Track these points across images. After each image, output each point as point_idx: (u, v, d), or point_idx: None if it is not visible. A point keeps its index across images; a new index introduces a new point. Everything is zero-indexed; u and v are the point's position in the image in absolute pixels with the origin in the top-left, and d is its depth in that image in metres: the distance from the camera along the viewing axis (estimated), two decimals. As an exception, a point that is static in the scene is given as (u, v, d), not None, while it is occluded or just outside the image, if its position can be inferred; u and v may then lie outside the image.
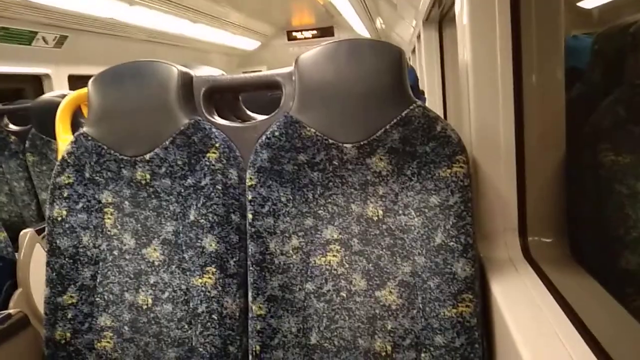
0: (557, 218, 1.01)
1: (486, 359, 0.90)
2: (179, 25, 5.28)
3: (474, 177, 0.99)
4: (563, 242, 1.00)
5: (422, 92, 2.73)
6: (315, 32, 8.98)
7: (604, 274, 0.87)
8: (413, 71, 2.24)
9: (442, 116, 0.98)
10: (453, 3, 1.11)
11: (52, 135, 2.01)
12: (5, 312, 1.09)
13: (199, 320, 0.98)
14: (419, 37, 3.24)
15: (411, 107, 0.91)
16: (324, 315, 0.95)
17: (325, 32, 8.89)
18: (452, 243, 0.89)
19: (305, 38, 8.99)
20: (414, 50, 4.32)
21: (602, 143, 0.99)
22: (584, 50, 1.16)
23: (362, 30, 8.24)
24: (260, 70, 1.19)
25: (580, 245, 0.99)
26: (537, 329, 0.75)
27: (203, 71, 1.18)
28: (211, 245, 0.99)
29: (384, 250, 0.94)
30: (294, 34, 9.02)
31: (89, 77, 1.12)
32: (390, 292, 0.93)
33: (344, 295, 0.95)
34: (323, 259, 0.97)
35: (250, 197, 0.98)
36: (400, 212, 0.94)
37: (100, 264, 1.07)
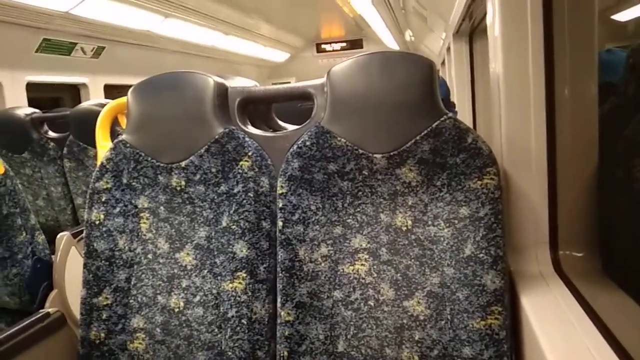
0: (589, 232, 0.99)
1: None
2: (211, 37, 5.41)
3: (505, 189, 0.98)
4: (595, 257, 0.98)
5: (453, 105, 2.72)
6: (344, 44, 9.04)
7: (636, 289, 0.85)
8: (445, 84, 2.25)
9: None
10: (484, 16, 1.12)
11: (89, 142, 2.08)
12: (44, 310, 1.13)
13: (228, 325, 1.00)
14: (448, 49, 3.24)
15: (442, 119, 0.92)
16: (352, 323, 0.96)
17: (354, 44, 8.94)
18: (481, 255, 0.89)
19: (334, 50, 9.05)
20: (443, 62, 4.31)
21: (635, 157, 0.98)
22: (618, 64, 1.14)
23: (391, 43, 8.26)
24: (289, 82, 1.22)
25: (612, 260, 0.97)
26: (568, 344, 0.74)
27: (237, 82, 1.21)
28: (242, 251, 1.01)
29: (413, 260, 0.95)
30: (322, 46, 9.09)
31: (124, 86, 1.17)
32: (419, 302, 0.93)
33: (372, 304, 0.96)
34: (351, 267, 0.98)
35: (280, 205, 1.00)
36: (430, 222, 0.94)
37: (135, 267, 1.10)
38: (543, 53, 0.96)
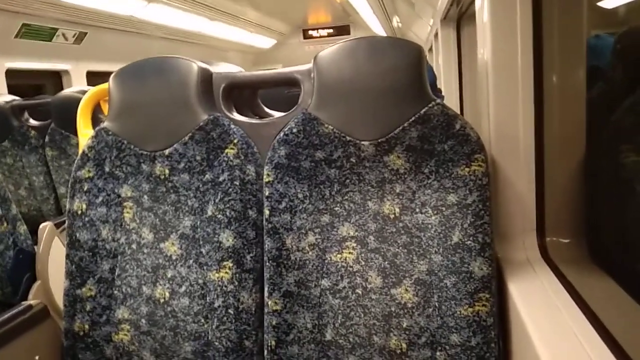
0: (576, 219, 1.00)
1: (502, 358, 0.89)
2: (197, 23, 5.33)
3: (493, 176, 0.98)
4: (582, 243, 0.99)
5: (440, 91, 2.72)
6: (331, 30, 8.99)
7: (622, 275, 0.86)
8: (431, 70, 2.23)
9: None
10: (472, 1, 1.10)
11: (72, 130, 2.04)
12: (26, 302, 1.11)
13: (215, 315, 0.99)
14: (436, 35, 3.23)
15: (430, 105, 0.91)
16: (339, 312, 0.96)
17: (341, 30, 8.90)
18: (469, 242, 0.88)
19: (321, 36, 9.01)
20: (430, 49, 4.30)
21: (623, 144, 0.98)
22: (606, 49, 1.14)
23: (378, 29, 8.22)
24: (275, 68, 1.20)
25: (599, 246, 0.98)
26: (555, 330, 0.74)
27: (222, 68, 1.19)
28: (228, 240, 1.00)
29: (400, 248, 0.94)
30: (309, 32, 9.04)
31: (107, 73, 1.14)
32: (406, 290, 0.93)
33: (360, 292, 0.95)
34: (339, 255, 0.97)
35: (267, 193, 0.98)
36: (418, 210, 0.94)
37: (119, 257, 1.09)
38: (532, 40, 0.95)
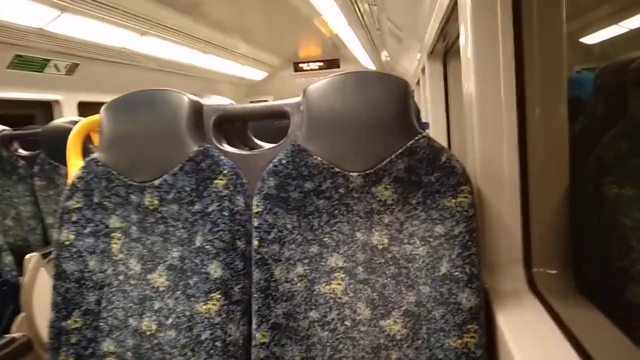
0: (562, 250, 1.01)
1: None
2: (189, 55, 5.39)
3: (479, 208, 0.99)
4: (568, 274, 1.00)
5: (425, 123, 2.76)
6: (321, 63, 9.13)
7: (609, 306, 0.86)
8: (413, 102, 2.23)
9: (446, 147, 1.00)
10: (457, 37, 1.14)
11: (61, 160, 2.04)
12: (9, 336, 1.09)
13: (202, 347, 0.98)
14: (423, 69, 3.30)
15: (416, 138, 0.93)
16: (328, 344, 0.95)
17: (331, 64, 9.04)
18: (457, 273, 0.89)
19: (311, 69, 9.13)
20: (418, 82, 4.38)
21: (605, 176, 1.00)
22: (586, 83, 1.18)
23: (367, 63, 8.37)
24: (266, 100, 1.22)
25: (585, 277, 0.99)
26: None
27: (213, 100, 1.20)
28: (216, 272, 0.99)
29: (389, 279, 0.94)
30: (300, 65, 9.17)
31: (98, 104, 1.15)
32: (395, 321, 0.92)
33: (348, 324, 0.95)
34: (328, 287, 0.97)
35: (256, 224, 0.98)
36: (406, 241, 0.95)
37: (106, 288, 1.07)
38: (514, 74, 0.98)
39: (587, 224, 1.02)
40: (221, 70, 6.81)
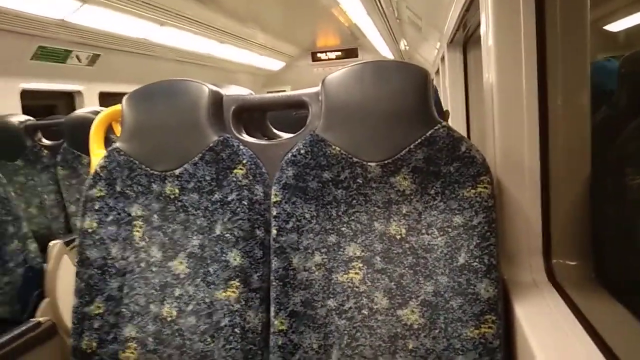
0: (582, 241, 1.00)
1: None
2: (207, 45, 5.42)
3: (498, 198, 0.99)
4: (588, 266, 0.99)
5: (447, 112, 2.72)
6: (339, 53, 9.08)
7: (629, 298, 0.85)
8: (435, 91, 2.17)
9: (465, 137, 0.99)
10: (478, 26, 1.13)
11: (83, 150, 2.07)
12: (35, 320, 1.12)
13: (221, 334, 0.99)
14: (442, 58, 3.26)
15: (436, 128, 0.93)
16: (345, 332, 0.96)
17: (349, 53, 8.99)
18: (475, 263, 0.89)
19: (329, 59, 9.09)
20: (437, 72, 4.34)
21: (628, 166, 0.99)
22: (611, 73, 1.15)
23: (386, 52, 8.30)
24: (284, 90, 1.22)
25: (605, 268, 0.98)
26: (562, 353, 0.74)
27: (232, 90, 1.21)
28: (235, 260, 1.01)
29: (407, 269, 0.95)
30: (318, 55, 9.13)
31: (119, 94, 1.17)
32: (412, 311, 0.93)
33: (366, 313, 0.95)
34: (345, 276, 0.97)
35: (275, 213, 0.99)
36: (424, 231, 0.95)
37: (127, 275, 1.10)
38: (536, 63, 0.97)
39: (608, 215, 1.01)
40: (239, 61, 6.83)
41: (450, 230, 0.92)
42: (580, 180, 1.00)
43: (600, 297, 0.92)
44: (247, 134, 1.13)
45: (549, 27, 0.96)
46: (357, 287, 0.96)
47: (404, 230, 0.96)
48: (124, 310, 1.08)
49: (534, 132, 0.98)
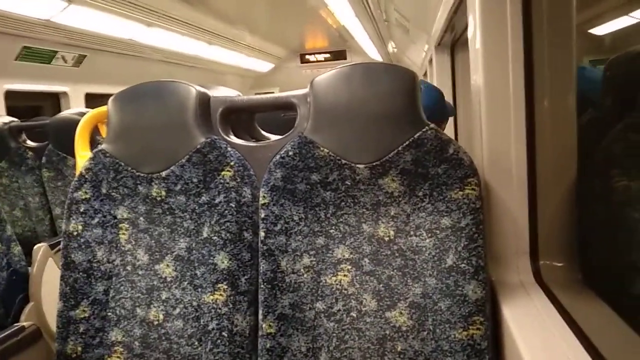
0: (569, 242, 1.00)
1: None
2: (195, 46, 5.39)
3: (486, 200, 0.99)
4: (575, 267, 0.99)
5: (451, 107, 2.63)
6: (328, 55, 9.09)
7: (616, 299, 0.86)
8: (442, 95, 1.94)
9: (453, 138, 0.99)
10: (465, 28, 1.13)
11: (69, 151, 2.05)
12: (19, 324, 1.10)
13: (209, 337, 0.99)
14: (430, 61, 3.28)
15: (423, 130, 0.93)
16: (334, 335, 0.95)
17: (338, 55, 9.00)
18: (463, 265, 0.89)
19: (317, 61, 9.10)
20: (425, 74, 4.36)
21: (614, 168, 1.00)
22: (591, 80, 1.16)
23: (374, 54, 8.33)
24: (272, 92, 1.22)
25: (592, 270, 0.98)
26: (549, 354, 0.74)
27: (220, 92, 1.20)
28: (223, 262, 1.00)
29: (395, 270, 0.95)
30: (307, 56, 9.13)
31: (105, 95, 1.16)
32: (401, 313, 0.93)
33: (354, 315, 0.95)
34: (334, 278, 0.97)
35: (263, 215, 0.99)
36: (412, 233, 0.95)
37: (114, 278, 1.08)
38: (523, 65, 0.98)
39: (594, 217, 1.02)
40: (227, 62, 6.81)
41: (438, 232, 0.92)
42: (567, 182, 1.00)
43: (587, 298, 0.92)
44: (235, 135, 1.13)
45: (535, 30, 0.97)
46: (345, 289, 0.96)
47: (392, 232, 0.96)
48: (109, 314, 1.07)
49: (521, 134, 0.99)
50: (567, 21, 0.98)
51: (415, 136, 0.93)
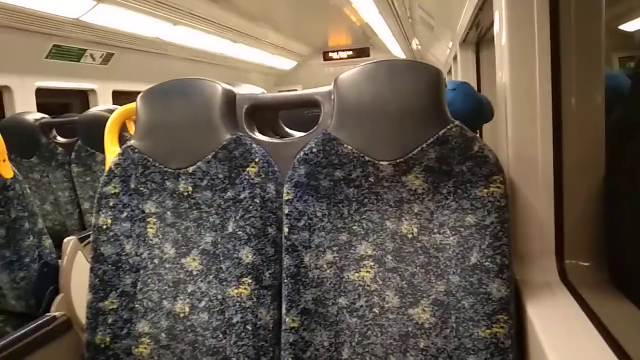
0: (596, 242, 0.99)
1: None
2: (220, 45, 5.44)
3: (511, 198, 0.98)
4: (601, 267, 0.98)
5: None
6: (351, 52, 9.06)
7: (644, 299, 0.85)
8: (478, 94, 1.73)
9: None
10: (491, 25, 1.12)
11: (97, 147, 2.10)
12: (50, 314, 1.14)
13: (233, 330, 1.00)
14: (455, 58, 3.25)
15: (448, 127, 0.92)
16: (356, 330, 0.96)
17: (361, 52, 8.97)
18: (487, 263, 0.88)
19: (340, 58, 9.08)
20: (449, 71, 4.32)
21: None
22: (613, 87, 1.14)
23: (397, 51, 8.28)
24: (295, 89, 1.23)
25: (619, 270, 0.97)
26: (574, 354, 0.74)
27: (245, 89, 1.22)
28: (248, 257, 1.01)
29: (418, 268, 0.95)
30: (330, 54, 9.12)
31: (132, 92, 1.18)
32: (424, 310, 0.93)
33: (377, 311, 0.96)
34: (357, 274, 0.98)
35: (286, 211, 1.00)
36: (436, 230, 0.95)
37: (141, 271, 1.11)
38: (550, 62, 0.96)
39: (622, 217, 1.00)
40: (251, 60, 6.85)
41: (462, 229, 0.92)
42: (594, 181, 0.99)
43: (614, 299, 0.91)
44: (260, 132, 1.14)
45: (562, 26, 0.96)
46: (368, 285, 0.97)
47: (415, 230, 0.96)
48: (137, 305, 1.10)
49: (548, 131, 0.98)
50: (596, 17, 0.96)
51: (440, 133, 0.92)
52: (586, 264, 0.98)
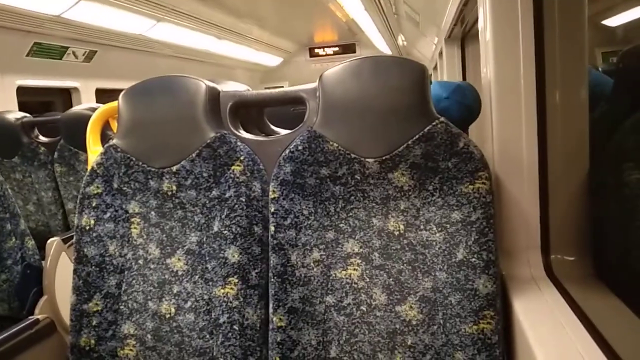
0: (581, 236, 1.00)
1: None
2: (204, 41, 5.39)
3: (497, 194, 0.99)
4: (586, 261, 0.99)
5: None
6: (337, 48, 9.05)
7: (628, 293, 0.85)
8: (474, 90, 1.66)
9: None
10: (476, 21, 1.12)
11: (80, 146, 2.07)
12: (33, 317, 1.12)
13: (220, 331, 0.99)
14: (440, 54, 3.26)
15: (434, 123, 0.92)
16: (344, 328, 0.96)
17: (347, 49, 8.95)
18: (473, 259, 0.89)
19: (327, 55, 9.06)
20: (435, 67, 4.34)
21: (626, 162, 0.99)
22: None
23: (383, 47, 8.29)
24: (282, 86, 1.22)
25: (604, 264, 0.98)
26: (560, 348, 0.74)
27: (229, 86, 1.21)
28: (234, 256, 1.00)
29: (405, 265, 0.95)
30: (316, 50, 9.10)
31: (116, 90, 1.16)
32: (411, 307, 0.93)
33: (364, 309, 0.95)
34: (344, 272, 0.97)
35: (272, 210, 0.99)
36: (422, 227, 0.94)
37: (126, 272, 1.09)
38: (534, 58, 0.97)
39: (606, 211, 1.01)
40: (236, 56, 6.81)
41: (448, 226, 0.92)
42: (578, 176, 1.00)
43: (599, 293, 0.92)
44: (245, 130, 1.13)
45: (546, 22, 0.96)
46: (355, 283, 0.96)
47: (402, 226, 0.96)
48: (122, 307, 1.08)
49: (532, 127, 0.98)
50: (579, 12, 0.97)
51: (425, 130, 0.92)
52: (571, 258, 0.99)
